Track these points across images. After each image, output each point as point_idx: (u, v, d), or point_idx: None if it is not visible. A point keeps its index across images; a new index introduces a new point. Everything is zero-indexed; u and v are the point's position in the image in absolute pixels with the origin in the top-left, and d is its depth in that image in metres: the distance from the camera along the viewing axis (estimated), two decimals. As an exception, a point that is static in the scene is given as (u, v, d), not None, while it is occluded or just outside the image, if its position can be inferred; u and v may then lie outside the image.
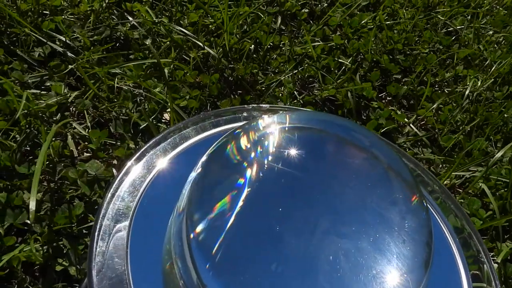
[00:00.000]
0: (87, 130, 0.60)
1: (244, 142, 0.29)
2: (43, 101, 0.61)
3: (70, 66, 0.66)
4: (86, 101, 0.63)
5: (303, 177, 0.29)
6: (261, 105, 0.39)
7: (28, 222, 0.49)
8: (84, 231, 0.51)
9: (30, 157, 0.56)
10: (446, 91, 0.83)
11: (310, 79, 0.78)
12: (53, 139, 0.57)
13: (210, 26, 0.80)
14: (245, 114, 0.38)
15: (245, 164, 0.28)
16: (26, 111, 0.58)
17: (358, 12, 0.93)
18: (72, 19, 0.75)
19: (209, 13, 0.80)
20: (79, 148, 0.59)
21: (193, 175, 0.29)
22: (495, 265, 0.55)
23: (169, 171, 0.36)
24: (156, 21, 0.77)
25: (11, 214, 0.49)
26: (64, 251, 0.49)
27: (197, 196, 0.26)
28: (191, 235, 0.26)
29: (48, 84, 0.65)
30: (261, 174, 0.28)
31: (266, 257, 0.27)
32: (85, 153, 0.59)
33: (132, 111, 0.63)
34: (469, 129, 0.75)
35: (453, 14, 1.01)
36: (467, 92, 0.79)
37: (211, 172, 0.28)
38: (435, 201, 0.42)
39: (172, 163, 0.35)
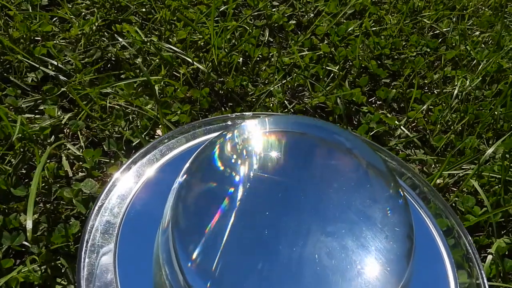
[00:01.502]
0: (81, 150, 0.61)
1: (224, 148, 0.30)
2: (37, 124, 0.62)
3: (62, 89, 0.68)
4: (79, 122, 0.64)
5: (284, 180, 0.30)
6: (244, 113, 0.40)
7: (26, 243, 0.50)
8: (81, 249, 0.51)
9: (26, 180, 0.57)
10: (436, 92, 0.83)
11: (300, 88, 0.79)
12: (48, 161, 0.58)
13: (199, 42, 0.82)
14: (229, 122, 0.39)
15: (227, 170, 0.29)
16: (20, 135, 0.59)
17: (344, 21, 0.95)
18: (63, 44, 0.77)
19: (197, 29, 0.82)
20: (74, 168, 0.60)
21: (177, 182, 0.30)
22: (490, 256, 0.55)
23: (156, 180, 0.37)
24: (146, 40, 0.78)
25: (8, 236, 0.50)
26: (62, 270, 0.49)
27: (180, 207, 0.27)
28: (178, 247, 0.27)
29: (42, 107, 0.66)
30: (241, 179, 0.29)
31: (249, 257, 0.27)
32: (80, 173, 0.59)
33: (125, 129, 0.64)
34: (460, 128, 0.75)
35: (439, 17, 1.03)
36: (455, 92, 0.80)
37: (192, 180, 0.29)
38: (426, 204, 0.43)
39: (159, 172, 0.36)
